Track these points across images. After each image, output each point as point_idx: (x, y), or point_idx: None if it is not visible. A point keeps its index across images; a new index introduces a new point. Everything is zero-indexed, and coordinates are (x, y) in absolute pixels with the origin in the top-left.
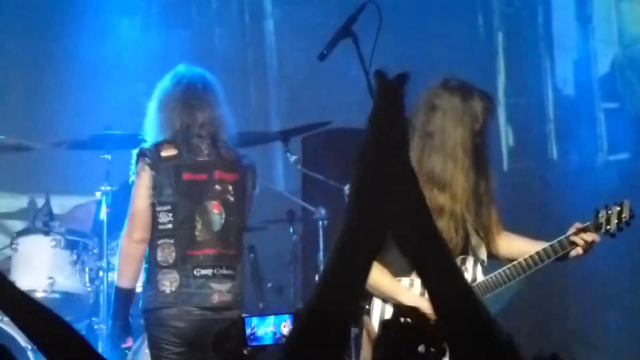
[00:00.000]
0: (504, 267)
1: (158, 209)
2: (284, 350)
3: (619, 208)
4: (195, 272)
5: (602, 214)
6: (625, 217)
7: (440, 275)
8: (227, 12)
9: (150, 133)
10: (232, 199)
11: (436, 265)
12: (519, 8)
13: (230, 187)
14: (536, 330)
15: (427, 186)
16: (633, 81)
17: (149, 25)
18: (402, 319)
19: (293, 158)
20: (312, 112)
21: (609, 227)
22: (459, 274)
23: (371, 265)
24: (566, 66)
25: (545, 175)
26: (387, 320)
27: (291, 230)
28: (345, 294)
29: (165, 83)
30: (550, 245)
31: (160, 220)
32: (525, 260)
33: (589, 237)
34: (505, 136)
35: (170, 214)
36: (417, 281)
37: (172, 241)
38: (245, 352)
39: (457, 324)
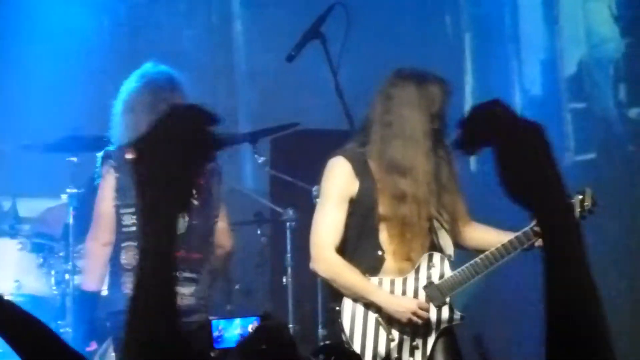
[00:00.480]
0: (471, 262)
1: (122, 211)
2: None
3: (581, 196)
4: None
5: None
6: (587, 205)
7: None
8: (195, 13)
9: (116, 135)
10: (195, 202)
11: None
12: (487, 9)
13: (194, 190)
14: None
15: (389, 174)
16: (600, 81)
17: (117, 26)
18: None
19: (261, 159)
20: (280, 113)
21: None
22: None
23: None
24: (533, 67)
25: None
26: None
27: (259, 232)
28: None
29: (131, 84)
30: (516, 237)
31: (125, 223)
32: (491, 253)
33: None
34: None
35: (135, 217)
36: (386, 279)
37: (136, 244)
38: (212, 354)
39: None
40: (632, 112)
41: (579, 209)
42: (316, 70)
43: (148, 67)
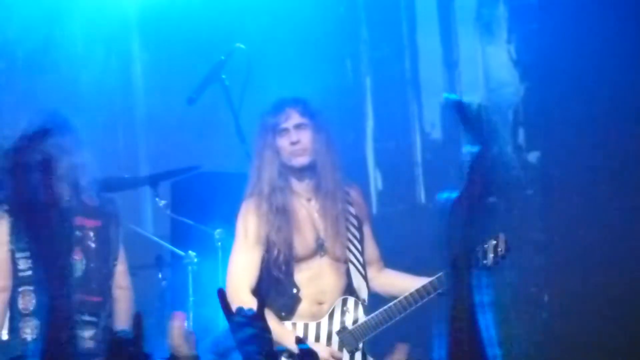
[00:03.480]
0: (385, 307)
1: (17, 255)
2: None
3: (494, 242)
4: None
5: (479, 249)
6: (500, 250)
7: None
8: (93, 55)
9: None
10: (93, 245)
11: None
12: (387, 53)
13: (92, 234)
14: None
15: (269, 212)
16: (498, 125)
17: (14, 69)
18: None
19: (162, 203)
20: (181, 156)
21: (485, 261)
22: None
23: None
24: (433, 110)
25: (414, 219)
26: None
27: (160, 275)
28: None
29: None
30: (430, 282)
31: (20, 267)
32: (405, 298)
33: None
34: (374, 180)
35: (30, 261)
36: (300, 324)
37: (32, 288)
38: None
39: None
40: (531, 156)
41: (491, 254)
42: (217, 113)
43: (40, 112)
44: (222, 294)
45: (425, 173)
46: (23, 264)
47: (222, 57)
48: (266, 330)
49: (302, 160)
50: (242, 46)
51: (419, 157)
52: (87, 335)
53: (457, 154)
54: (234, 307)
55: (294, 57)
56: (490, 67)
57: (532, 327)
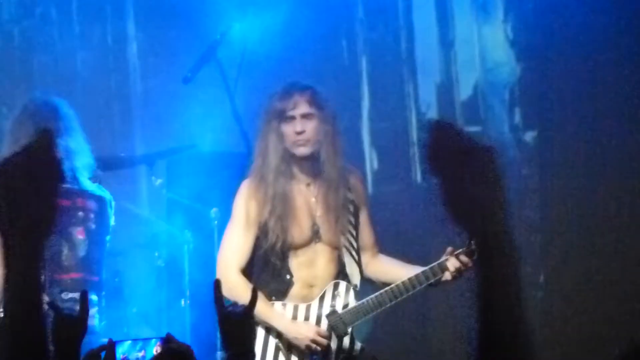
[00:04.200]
0: (376, 293)
1: None
2: None
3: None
4: (63, 296)
5: (475, 240)
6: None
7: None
8: (89, 35)
9: None
10: (93, 226)
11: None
12: (382, 33)
13: (92, 215)
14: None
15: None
16: (494, 105)
17: (10, 49)
18: None
19: (158, 182)
20: (176, 135)
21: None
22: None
23: None
24: (429, 90)
25: (410, 198)
26: None
27: (157, 254)
28: None
29: (16, 116)
30: (423, 272)
31: None
32: (397, 286)
33: (462, 262)
34: (370, 160)
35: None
36: (290, 305)
37: None
38: None
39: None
40: (527, 136)
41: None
42: (213, 92)
43: (33, 98)
44: (217, 284)
45: (420, 153)
46: None
47: (218, 37)
48: (252, 329)
49: (304, 151)
50: (237, 25)
51: (414, 137)
52: (90, 313)
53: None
54: (223, 286)
55: (289, 37)
56: (487, 47)
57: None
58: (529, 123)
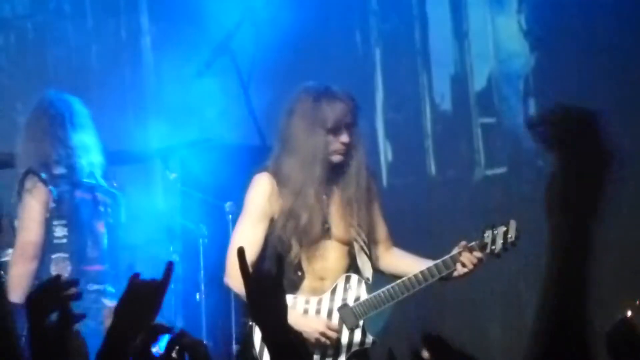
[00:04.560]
0: (388, 286)
1: (55, 222)
2: None
3: (505, 228)
4: (88, 287)
5: (488, 234)
6: (510, 237)
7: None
8: (103, 29)
9: (23, 161)
10: (111, 220)
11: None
12: (396, 24)
13: (110, 210)
14: None
15: (284, 192)
16: (509, 96)
17: (25, 43)
18: None
19: (172, 176)
20: (191, 129)
21: (494, 247)
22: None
23: None
24: (443, 82)
25: (424, 190)
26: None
27: (171, 248)
28: None
29: (31, 112)
30: (435, 265)
31: (56, 235)
32: (409, 279)
33: (475, 256)
34: (384, 152)
35: (66, 229)
36: (301, 299)
37: (67, 255)
38: None
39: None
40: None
41: (501, 241)
42: (227, 85)
43: (47, 96)
44: (241, 253)
45: (434, 144)
46: (59, 232)
47: (231, 29)
48: (282, 299)
49: (340, 159)
50: (250, 17)
51: (428, 128)
52: (113, 306)
53: (467, 125)
54: (231, 278)
55: (303, 29)
56: (500, 38)
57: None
58: (543, 114)
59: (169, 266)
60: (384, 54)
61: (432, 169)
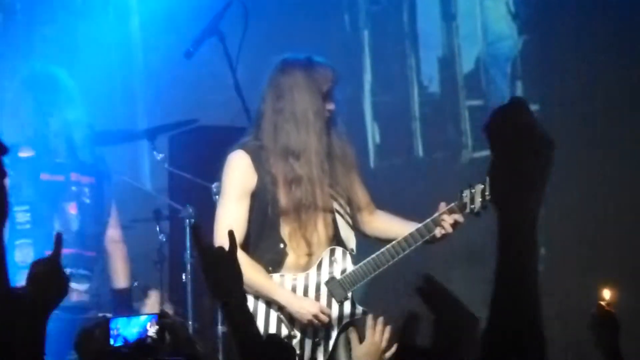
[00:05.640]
0: (373, 255)
1: (16, 208)
2: None
3: (482, 186)
4: None
5: (466, 194)
6: (488, 195)
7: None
8: (91, 8)
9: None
10: (87, 201)
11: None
12: (385, 6)
13: (86, 189)
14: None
15: (283, 159)
16: (497, 78)
17: (12, 21)
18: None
19: (160, 156)
20: (178, 110)
21: (473, 205)
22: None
23: None
24: (431, 64)
25: (411, 172)
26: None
27: (158, 229)
28: None
29: (15, 87)
30: (417, 230)
31: (18, 221)
32: (393, 246)
33: (454, 217)
34: (372, 134)
35: (29, 214)
36: (288, 276)
37: (30, 241)
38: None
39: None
40: None
41: (480, 199)
42: (214, 67)
43: (33, 68)
44: (196, 228)
45: (422, 127)
46: (21, 217)
47: (220, 10)
48: (238, 273)
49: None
50: None
51: (416, 110)
52: (82, 289)
53: (455, 107)
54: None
55: (292, 11)
56: (489, 20)
57: None
58: (530, 96)
59: (58, 238)
60: (372, 36)
61: (420, 151)
